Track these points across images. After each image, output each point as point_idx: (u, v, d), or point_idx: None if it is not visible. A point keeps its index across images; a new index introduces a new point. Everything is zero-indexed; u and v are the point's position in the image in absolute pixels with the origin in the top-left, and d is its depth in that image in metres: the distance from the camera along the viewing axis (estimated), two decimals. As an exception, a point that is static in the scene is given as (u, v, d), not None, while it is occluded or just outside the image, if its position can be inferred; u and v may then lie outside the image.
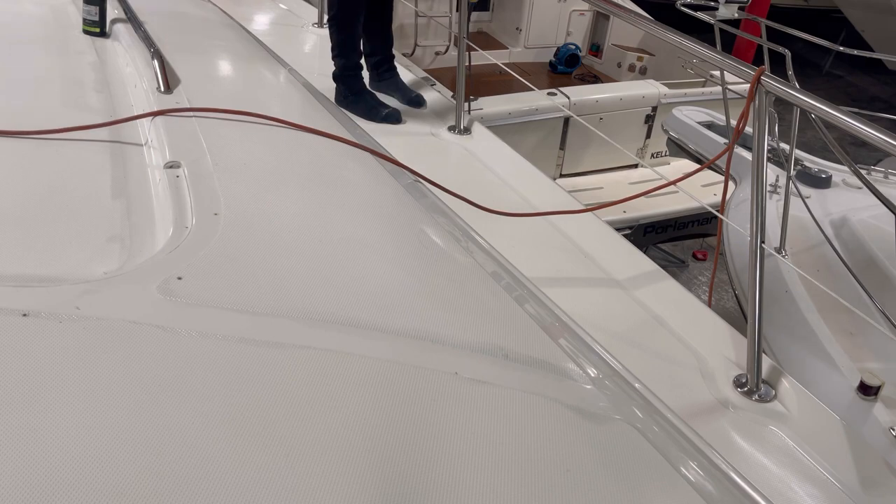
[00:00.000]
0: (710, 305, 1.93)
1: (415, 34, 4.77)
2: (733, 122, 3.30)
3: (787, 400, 1.49)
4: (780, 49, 2.54)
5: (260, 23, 3.73)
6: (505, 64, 3.31)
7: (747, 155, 3.15)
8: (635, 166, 4.24)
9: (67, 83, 1.86)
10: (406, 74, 2.69)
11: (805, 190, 2.82)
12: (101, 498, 0.71)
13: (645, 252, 2.02)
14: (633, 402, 0.99)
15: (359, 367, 0.96)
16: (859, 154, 4.39)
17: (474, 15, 4.99)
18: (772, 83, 1.49)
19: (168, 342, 0.93)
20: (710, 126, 3.54)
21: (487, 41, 5.23)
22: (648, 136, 4.29)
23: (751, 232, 1.51)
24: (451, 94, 2.85)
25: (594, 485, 0.87)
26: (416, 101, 2.56)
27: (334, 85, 2.17)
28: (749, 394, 1.50)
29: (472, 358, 1.02)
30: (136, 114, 1.68)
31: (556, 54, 5.20)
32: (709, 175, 3.75)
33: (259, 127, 1.70)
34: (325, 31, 3.63)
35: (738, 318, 2.24)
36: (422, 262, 1.26)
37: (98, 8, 2.18)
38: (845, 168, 2.95)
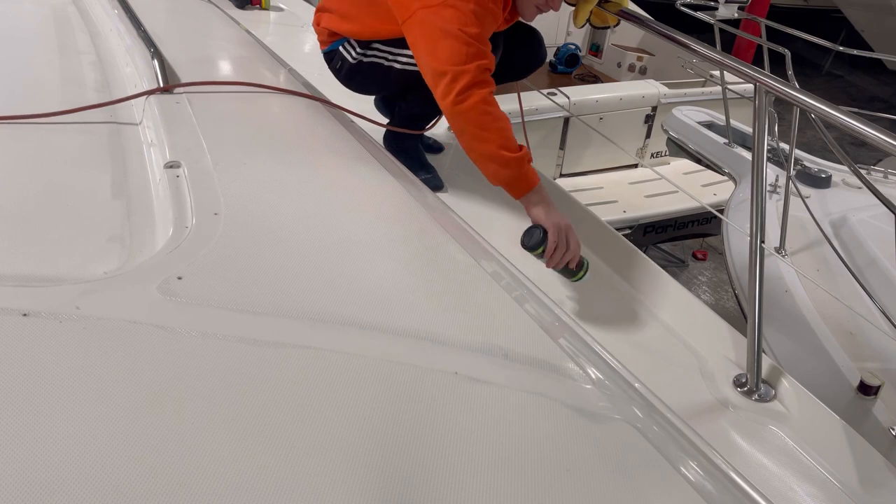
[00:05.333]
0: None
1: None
2: (733, 122, 3.31)
3: (787, 400, 1.49)
4: (780, 49, 2.54)
5: (260, 23, 3.73)
6: (505, 64, 3.31)
7: (747, 155, 3.15)
8: (635, 166, 4.24)
9: (67, 83, 1.86)
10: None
11: (805, 190, 2.82)
12: (101, 497, 0.71)
13: (645, 252, 2.02)
14: (633, 402, 0.99)
15: (359, 367, 0.96)
16: (859, 154, 4.40)
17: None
18: (772, 83, 1.49)
19: (168, 342, 0.93)
20: (710, 126, 3.55)
21: (487, 41, 5.22)
22: (648, 135, 4.29)
23: (751, 232, 1.52)
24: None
25: (594, 484, 0.87)
26: (434, 148, 2.48)
27: (335, 85, 2.16)
28: (749, 394, 1.50)
29: (472, 358, 1.02)
30: (136, 115, 1.68)
31: (556, 54, 5.21)
32: (709, 175, 3.76)
33: (259, 127, 1.70)
34: (325, 31, 3.64)
35: (738, 318, 2.24)
36: (422, 261, 1.26)
37: None
38: (845, 168, 2.95)
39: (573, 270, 1.70)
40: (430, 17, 1.70)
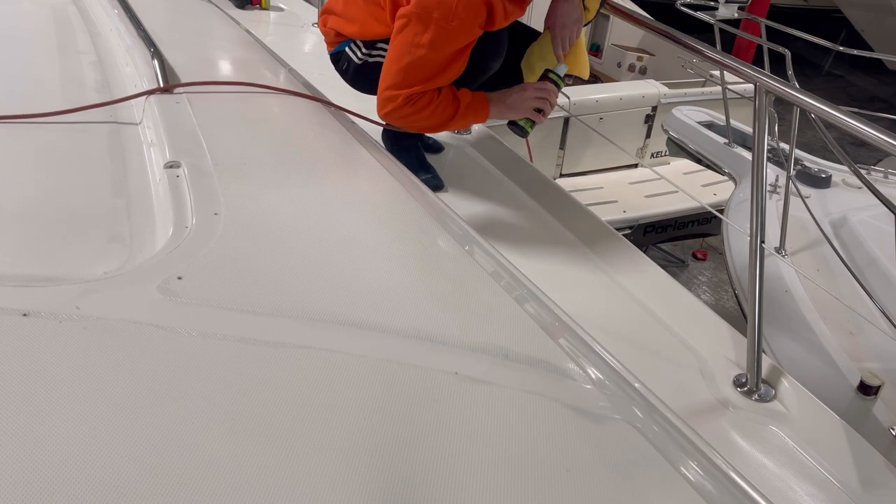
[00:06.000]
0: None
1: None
2: (733, 122, 3.31)
3: (787, 400, 1.49)
4: (780, 49, 2.54)
5: (260, 23, 3.73)
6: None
7: (747, 155, 3.16)
8: (635, 166, 4.24)
9: (67, 83, 1.86)
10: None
11: (805, 190, 2.82)
12: (101, 497, 0.71)
13: (645, 252, 2.02)
14: (633, 402, 0.99)
15: (359, 367, 0.96)
16: (859, 154, 4.40)
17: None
18: (772, 83, 1.49)
19: (168, 342, 0.93)
20: (710, 126, 3.55)
21: (487, 41, 5.21)
22: (648, 135, 4.29)
23: (751, 232, 1.52)
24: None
25: (594, 484, 0.87)
26: (434, 148, 2.48)
27: (335, 85, 2.16)
28: (749, 394, 1.50)
29: (472, 358, 1.02)
30: (136, 115, 1.68)
31: (556, 54, 5.20)
32: (709, 175, 3.76)
33: (259, 127, 1.70)
34: (325, 31, 3.64)
35: (738, 318, 2.24)
36: (422, 261, 1.26)
37: None
38: (845, 168, 2.95)
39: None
40: (399, 26, 1.78)
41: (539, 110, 1.89)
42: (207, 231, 1.19)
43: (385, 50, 2.02)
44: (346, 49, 2.07)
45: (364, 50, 2.04)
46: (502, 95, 1.89)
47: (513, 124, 1.91)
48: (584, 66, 2.08)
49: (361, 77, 2.10)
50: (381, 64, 2.03)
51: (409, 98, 1.79)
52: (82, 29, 2.34)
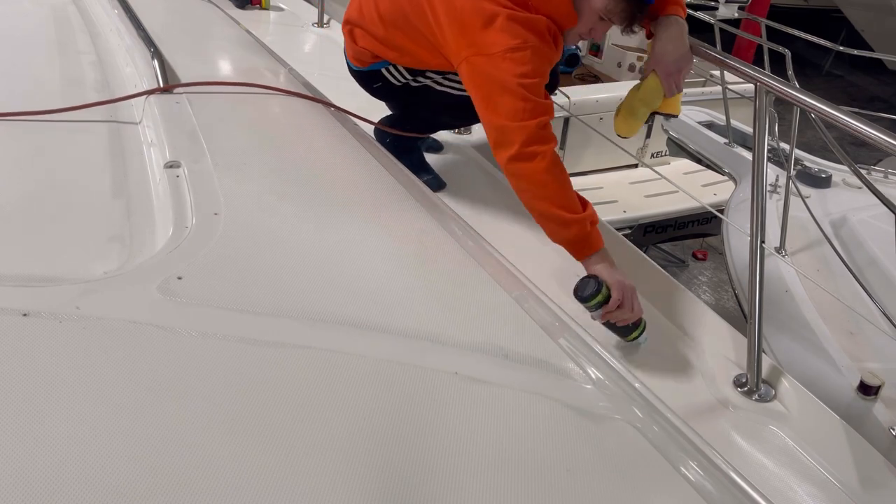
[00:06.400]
0: None
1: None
2: (733, 122, 3.31)
3: (787, 400, 1.49)
4: (780, 49, 2.55)
5: (260, 23, 3.73)
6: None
7: (747, 155, 3.16)
8: (635, 166, 4.24)
9: (67, 83, 1.86)
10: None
11: (805, 190, 2.82)
12: (101, 497, 0.71)
13: (645, 252, 2.02)
14: (633, 402, 0.99)
15: (359, 367, 0.96)
16: (859, 154, 4.40)
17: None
18: (772, 83, 1.49)
19: (168, 342, 0.93)
20: (710, 126, 3.55)
21: (487, 41, 5.20)
22: (648, 135, 4.29)
23: (751, 232, 1.52)
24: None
25: (594, 484, 0.87)
26: (434, 147, 2.44)
27: (335, 85, 2.16)
28: (749, 394, 1.50)
29: (472, 358, 1.02)
30: (136, 114, 1.68)
31: (556, 54, 5.19)
32: (709, 175, 3.76)
33: (259, 127, 1.70)
34: (325, 31, 3.65)
35: (738, 318, 2.24)
36: (422, 262, 1.26)
37: None
38: (845, 168, 2.95)
39: (628, 328, 1.59)
40: (486, 67, 1.60)
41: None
42: (207, 231, 1.19)
43: (432, 79, 1.91)
44: (383, 70, 1.94)
45: (407, 75, 1.91)
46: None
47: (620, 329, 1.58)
48: (678, 102, 1.91)
49: (393, 95, 2.00)
50: (425, 87, 1.92)
51: (542, 128, 1.59)
52: (82, 29, 2.34)
